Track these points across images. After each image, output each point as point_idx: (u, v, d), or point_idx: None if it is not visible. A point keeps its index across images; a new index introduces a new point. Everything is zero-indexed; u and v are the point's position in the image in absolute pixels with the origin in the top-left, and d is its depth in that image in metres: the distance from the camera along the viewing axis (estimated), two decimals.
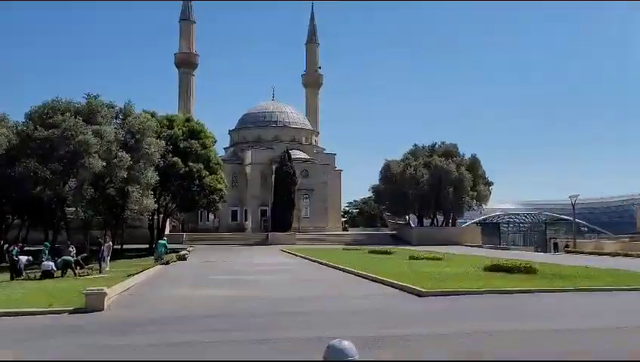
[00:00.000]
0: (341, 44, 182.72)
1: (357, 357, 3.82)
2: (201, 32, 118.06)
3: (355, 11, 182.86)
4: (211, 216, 72.42)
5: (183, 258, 35.03)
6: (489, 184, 70.74)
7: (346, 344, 3.85)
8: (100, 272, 27.89)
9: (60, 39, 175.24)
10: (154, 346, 10.15)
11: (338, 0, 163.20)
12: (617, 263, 29.99)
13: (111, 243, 32.96)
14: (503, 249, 54.34)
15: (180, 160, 45.56)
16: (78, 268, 27.62)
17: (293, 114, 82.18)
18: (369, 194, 78.79)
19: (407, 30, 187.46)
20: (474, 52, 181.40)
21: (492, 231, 73.42)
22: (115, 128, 39.41)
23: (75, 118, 36.49)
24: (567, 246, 49.42)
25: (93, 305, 14.07)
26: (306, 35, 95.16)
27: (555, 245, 52.09)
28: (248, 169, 74.96)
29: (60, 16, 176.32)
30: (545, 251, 59.94)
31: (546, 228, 71.30)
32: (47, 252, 30.81)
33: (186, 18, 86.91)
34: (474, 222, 78.30)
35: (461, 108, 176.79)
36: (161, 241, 35.09)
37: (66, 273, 26.07)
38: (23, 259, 26.96)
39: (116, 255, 37.86)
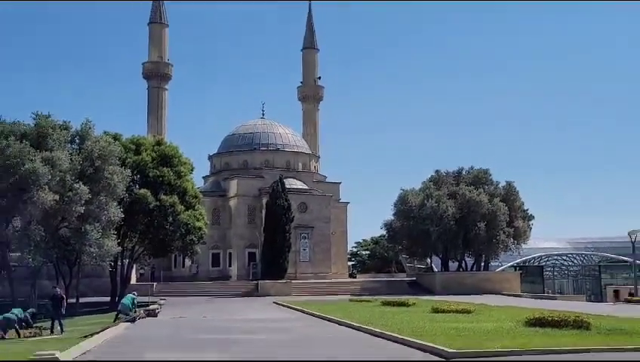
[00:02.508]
0: (345, 50, 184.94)
1: None
2: (174, 37, 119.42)
3: (362, 13, 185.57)
4: (188, 262, 72.23)
5: (153, 314, 34.86)
6: (529, 218, 70.59)
7: None
8: (52, 332, 27.78)
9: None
10: None
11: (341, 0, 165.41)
12: None
13: (64, 295, 32.86)
14: (548, 298, 54.19)
15: (149, 192, 45.70)
16: (23, 326, 27.56)
17: (288, 135, 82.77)
18: (382, 232, 78.75)
19: (426, 35, 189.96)
20: (508, 61, 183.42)
21: (534, 276, 73.28)
22: (71, 154, 39.72)
23: (22, 142, 36.81)
24: (631, 294, 49.21)
25: None
26: (302, 39, 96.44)
27: (617, 293, 51.90)
28: (233, 202, 75.14)
29: None
30: (600, 300, 59.83)
31: (600, 273, 71.15)
32: None
33: (156, 21, 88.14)
34: (511, 266, 78.03)
35: (493, 126, 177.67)
36: (129, 295, 34.95)
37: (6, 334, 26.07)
38: None
39: (71, 310, 37.73)
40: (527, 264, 78.73)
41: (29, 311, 29.79)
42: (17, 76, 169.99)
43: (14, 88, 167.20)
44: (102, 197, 39.40)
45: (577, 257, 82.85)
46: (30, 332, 27.16)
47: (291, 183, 72.72)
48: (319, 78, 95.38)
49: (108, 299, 48.18)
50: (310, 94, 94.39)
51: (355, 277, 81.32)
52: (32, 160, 35.60)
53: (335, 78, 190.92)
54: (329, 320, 29.37)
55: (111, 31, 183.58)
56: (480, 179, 69.81)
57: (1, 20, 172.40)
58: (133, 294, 36.14)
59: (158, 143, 52.18)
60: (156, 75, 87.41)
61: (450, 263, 71.38)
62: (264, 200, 69.63)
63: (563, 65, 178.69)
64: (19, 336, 26.21)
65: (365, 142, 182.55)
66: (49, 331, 28.04)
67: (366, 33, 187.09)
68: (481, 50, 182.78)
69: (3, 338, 25.76)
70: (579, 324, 21.68)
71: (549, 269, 78.19)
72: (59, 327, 28.46)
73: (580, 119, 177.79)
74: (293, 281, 63.25)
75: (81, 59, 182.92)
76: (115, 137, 46.31)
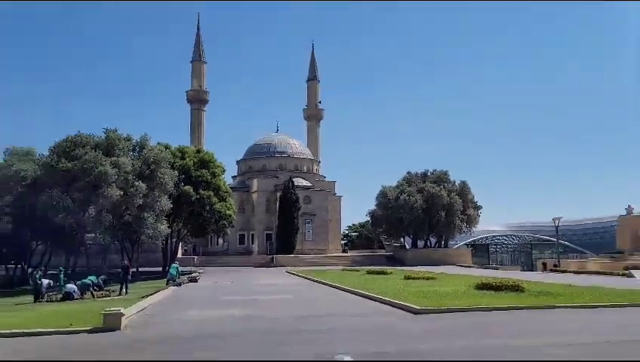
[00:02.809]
0: (341, 78, 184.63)
1: None
2: (210, 68, 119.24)
3: (353, 48, 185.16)
4: (220, 241, 72.25)
5: (194, 280, 34.88)
6: (478, 208, 70.63)
7: (348, 359, 3.94)
8: (119, 294, 27.81)
9: (81, 77, 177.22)
10: None
11: (338, 44, 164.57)
12: (600, 281, 29.89)
13: (130, 266, 32.87)
14: (492, 268, 54.00)
15: (191, 188, 45.68)
16: (96, 289, 27.60)
17: (296, 145, 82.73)
18: (367, 218, 78.69)
19: (402, 66, 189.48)
20: (462, 82, 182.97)
21: (482, 251, 73.10)
22: (132, 160, 39.75)
23: (95, 151, 36.90)
24: (555, 265, 49.17)
25: (110, 324, 14.08)
26: (307, 72, 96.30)
27: (545, 265, 51.79)
28: (255, 196, 75.07)
29: (81, 61, 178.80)
30: (531, 270, 59.68)
31: (531, 249, 71.01)
32: (62, 276, 30.67)
33: (196, 59, 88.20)
34: (464, 244, 77.96)
35: (452, 137, 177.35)
36: (173, 265, 35.12)
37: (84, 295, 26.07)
38: (45, 282, 26.99)
39: (132, 277, 37.82)
40: (476, 242, 78.64)
41: (101, 277, 29.85)
42: (95, 100, 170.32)
43: (92, 109, 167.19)
44: (156, 192, 39.45)
45: (514, 237, 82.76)
46: (102, 294, 27.21)
47: (299, 182, 72.74)
48: (319, 102, 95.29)
49: (160, 269, 48.21)
50: (313, 115, 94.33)
51: (347, 253, 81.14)
52: (103, 164, 35.70)
53: (334, 99, 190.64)
54: (329, 285, 29.30)
55: (163, 67, 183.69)
56: (441, 178, 69.78)
57: (95, 63, 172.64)
58: (176, 263, 36.05)
59: (198, 151, 52.15)
60: (197, 100, 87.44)
61: (419, 242, 71.34)
62: (278, 195, 69.66)
63: (498, 85, 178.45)
64: (93, 297, 26.26)
65: (355, 149, 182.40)
66: (117, 293, 28.06)
67: (358, 66, 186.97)
68: (444, 80, 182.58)
69: (81, 298, 25.81)
70: (516, 288, 21.63)
71: (493, 246, 78.09)
72: (124, 290, 28.50)
73: (517, 136, 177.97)
74: (300, 255, 63.30)
75: (143, 89, 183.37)
76: (166, 147, 46.30)
